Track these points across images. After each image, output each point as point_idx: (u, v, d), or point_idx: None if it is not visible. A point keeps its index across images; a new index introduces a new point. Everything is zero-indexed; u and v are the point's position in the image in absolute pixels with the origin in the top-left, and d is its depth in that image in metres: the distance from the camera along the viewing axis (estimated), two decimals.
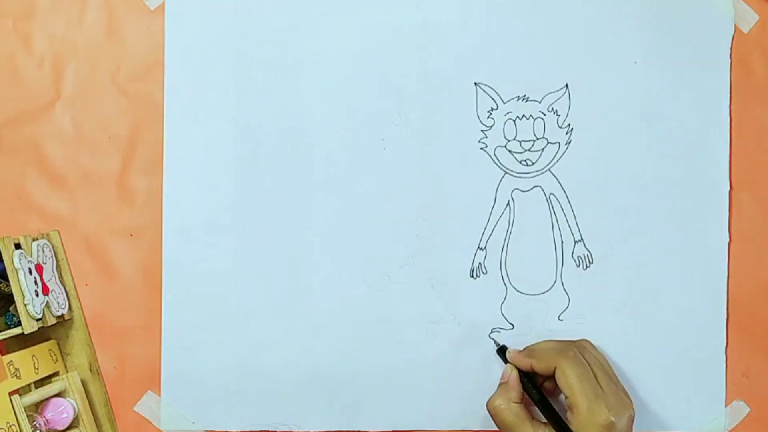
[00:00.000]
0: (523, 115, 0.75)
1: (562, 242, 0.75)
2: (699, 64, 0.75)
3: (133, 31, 0.75)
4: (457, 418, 0.75)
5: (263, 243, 0.75)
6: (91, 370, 0.74)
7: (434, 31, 0.75)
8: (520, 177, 0.75)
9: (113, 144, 0.75)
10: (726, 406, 0.75)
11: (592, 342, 0.74)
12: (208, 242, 0.75)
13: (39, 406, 0.70)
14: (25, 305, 0.67)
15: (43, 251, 0.72)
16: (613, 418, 0.66)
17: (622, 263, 0.75)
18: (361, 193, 0.75)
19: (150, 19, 0.75)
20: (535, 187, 0.75)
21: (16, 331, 0.67)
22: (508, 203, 0.75)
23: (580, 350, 0.71)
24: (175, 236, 0.75)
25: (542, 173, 0.75)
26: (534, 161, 0.75)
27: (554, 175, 0.75)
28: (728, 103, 0.75)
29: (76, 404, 0.71)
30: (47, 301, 0.70)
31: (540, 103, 0.75)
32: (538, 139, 0.75)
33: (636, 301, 0.75)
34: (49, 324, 0.70)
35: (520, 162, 0.75)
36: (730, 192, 0.75)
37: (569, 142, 0.75)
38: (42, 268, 0.71)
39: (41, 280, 0.70)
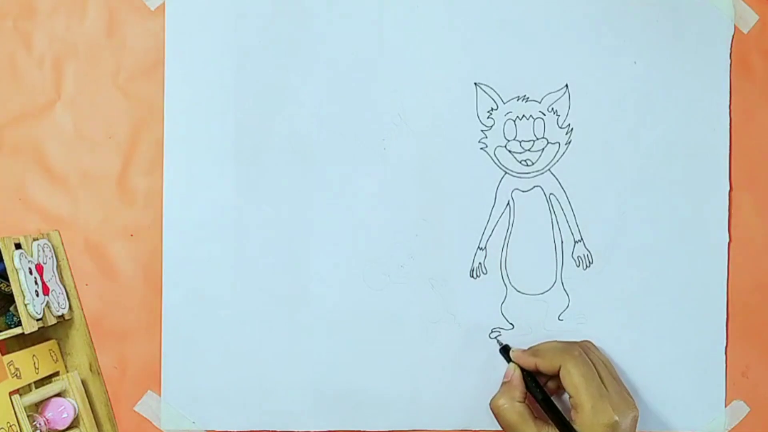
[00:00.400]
0: (523, 115, 0.75)
1: (562, 242, 0.75)
2: (699, 64, 0.75)
3: (133, 31, 0.75)
4: (457, 417, 0.75)
5: (263, 243, 0.75)
6: (91, 370, 0.74)
7: (434, 31, 0.75)
8: (520, 177, 0.75)
9: (113, 144, 0.75)
10: (726, 406, 0.75)
11: (593, 342, 0.74)
12: (208, 242, 0.75)
13: (39, 406, 0.70)
14: (26, 305, 0.67)
15: (44, 251, 0.72)
16: (617, 418, 0.66)
17: (622, 263, 0.75)
18: (361, 193, 0.75)
19: (150, 19, 0.75)
20: (535, 187, 0.75)
21: (17, 331, 0.67)
22: (508, 203, 0.75)
23: (584, 350, 0.71)
24: (175, 236, 0.75)
25: (542, 173, 0.75)
26: (534, 161, 0.75)
27: (554, 175, 0.75)
28: (728, 103, 0.75)
29: (77, 404, 0.71)
30: (47, 301, 0.70)
31: (540, 103, 0.75)
32: (538, 139, 0.75)
33: (636, 301, 0.75)
34: (50, 324, 0.70)
35: (520, 162, 0.75)
36: (730, 192, 0.75)
37: (569, 142, 0.75)
38: (42, 268, 0.71)
39: (41, 280, 0.70)
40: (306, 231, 0.75)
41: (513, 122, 0.75)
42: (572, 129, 0.75)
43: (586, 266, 0.75)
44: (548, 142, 0.75)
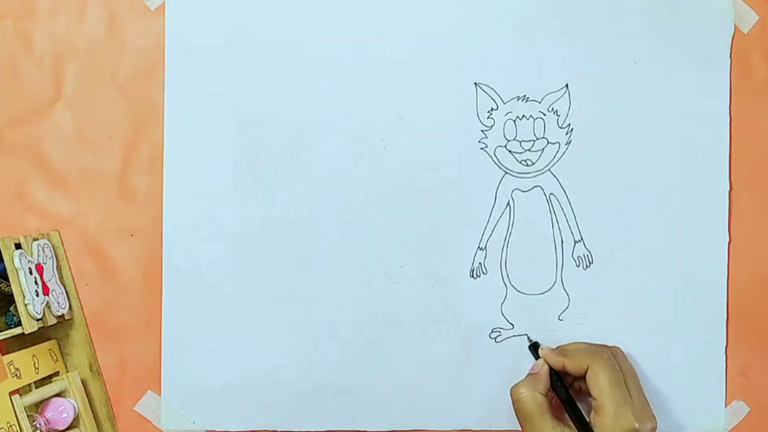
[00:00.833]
0: (523, 115, 0.75)
1: (562, 242, 0.75)
2: (699, 64, 0.75)
3: (133, 31, 0.75)
4: (458, 417, 0.75)
5: (263, 243, 0.75)
6: (91, 369, 0.74)
7: (434, 31, 0.75)
8: (520, 177, 0.75)
9: (113, 144, 0.75)
10: (726, 406, 0.75)
11: (621, 349, 0.74)
12: (208, 242, 0.75)
13: (39, 406, 0.70)
14: (26, 305, 0.67)
15: (44, 251, 0.72)
16: (637, 426, 0.66)
17: (622, 263, 0.75)
18: (361, 193, 0.75)
19: (150, 19, 0.75)
20: (535, 187, 0.75)
21: (17, 331, 0.67)
22: (508, 203, 0.75)
23: (613, 355, 0.71)
24: (175, 236, 0.75)
25: (542, 173, 0.75)
26: (534, 161, 0.75)
27: (554, 175, 0.75)
28: (728, 103, 0.75)
29: (77, 404, 0.71)
30: (47, 301, 0.70)
31: (540, 103, 0.75)
32: (538, 139, 0.75)
33: (636, 301, 0.75)
34: (50, 324, 0.70)
35: (520, 162, 0.75)
36: (730, 192, 0.75)
37: (569, 142, 0.75)
38: (42, 268, 0.71)
39: (41, 280, 0.70)
40: (306, 231, 0.75)
41: (513, 122, 0.75)
42: (572, 129, 0.75)
43: (586, 266, 0.75)
44: (548, 142, 0.75)
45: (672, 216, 0.75)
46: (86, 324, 0.75)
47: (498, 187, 0.75)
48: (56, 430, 0.70)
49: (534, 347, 0.74)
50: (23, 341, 0.70)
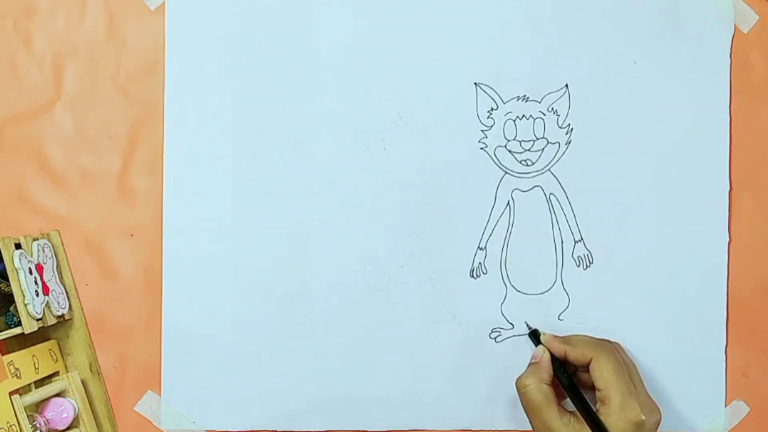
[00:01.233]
0: (523, 115, 0.75)
1: (562, 242, 0.75)
2: (699, 64, 0.75)
3: (133, 31, 0.75)
4: (458, 417, 0.75)
5: (263, 243, 0.75)
6: (91, 370, 0.74)
7: (434, 31, 0.75)
8: (520, 177, 0.75)
9: (113, 144, 0.75)
10: (726, 405, 0.75)
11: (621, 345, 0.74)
12: (208, 242, 0.75)
13: (39, 406, 0.70)
14: (26, 305, 0.67)
15: (44, 251, 0.72)
16: (644, 417, 0.66)
17: (622, 263, 0.75)
18: (361, 193, 0.75)
19: (150, 19, 0.75)
20: (535, 187, 0.75)
21: (17, 331, 0.67)
22: (508, 203, 0.75)
23: (615, 349, 0.71)
24: (175, 236, 0.75)
25: (542, 173, 0.75)
26: (534, 161, 0.75)
27: (554, 175, 0.75)
28: (728, 103, 0.75)
29: (77, 404, 0.71)
30: (47, 301, 0.70)
31: (540, 103, 0.75)
32: (538, 139, 0.75)
33: (636, 301, 0.75)
34: (50, 324, 0.70)
35: (520, 162, 0.75)
36: (730, 192, 0.75)
37: (569, 142, 0.75)
38: (42, 268, 0.71)
39: (41, 280, 0.70)
40: (306, 231, 0.75)
41: (513, 122, 0.75)
42: (572, 129, 0.75)
43: (586, 266, 0.75)
44: (548, 142, 0.75)
45: (672, 216, 0.75)
46: (86, 324, 0.75)
47: (498, 187, 0.75)
48: (56, 430, 0.70)
49: (534, 335, 0.74)
50: (23, 341, 0.70)
